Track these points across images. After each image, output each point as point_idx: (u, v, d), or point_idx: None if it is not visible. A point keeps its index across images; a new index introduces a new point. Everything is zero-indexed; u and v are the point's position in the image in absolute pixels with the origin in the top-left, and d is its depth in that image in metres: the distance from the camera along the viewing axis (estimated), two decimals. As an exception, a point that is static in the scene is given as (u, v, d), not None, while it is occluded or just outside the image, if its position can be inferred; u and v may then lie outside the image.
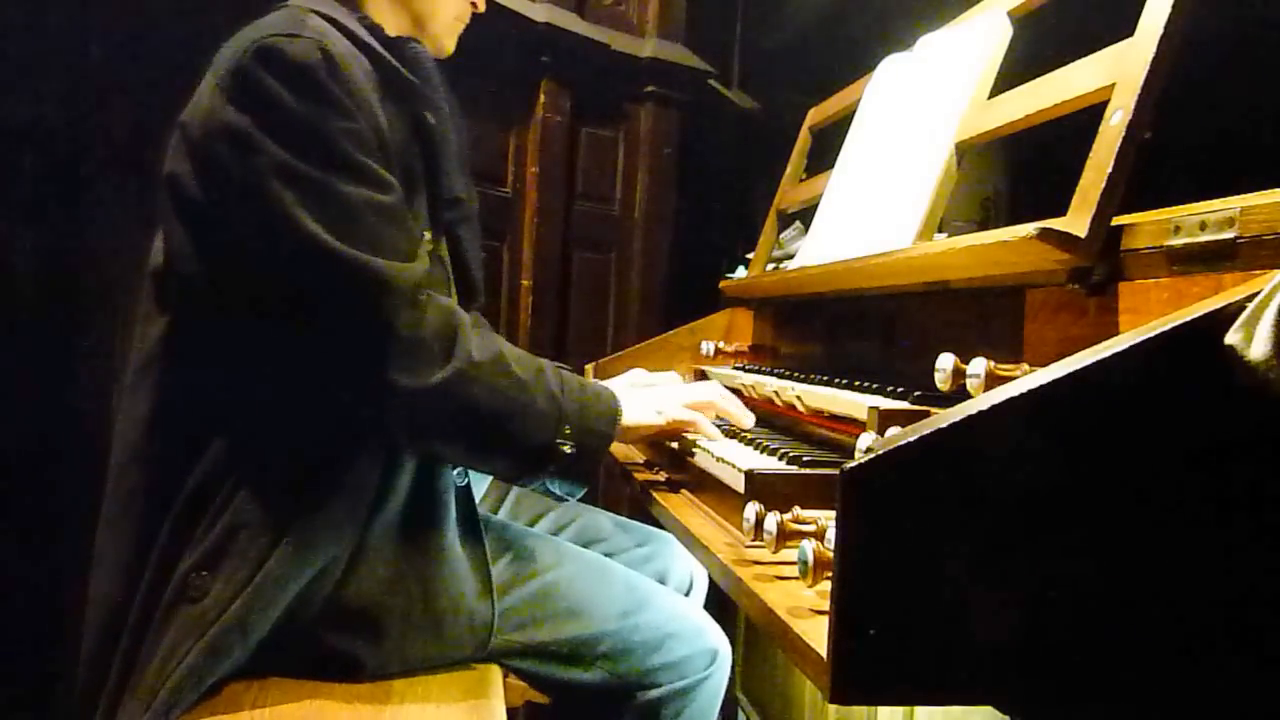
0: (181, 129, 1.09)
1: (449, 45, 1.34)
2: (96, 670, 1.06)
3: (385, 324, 1.02)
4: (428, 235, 1.16)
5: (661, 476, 1.38)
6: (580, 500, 1.27)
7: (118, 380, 1.83)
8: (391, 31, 1.23)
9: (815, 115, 2.06)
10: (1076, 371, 0.64)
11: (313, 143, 1.02)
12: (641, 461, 1.52)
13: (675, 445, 1.34)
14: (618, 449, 1.65)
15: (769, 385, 1.44)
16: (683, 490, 1.27)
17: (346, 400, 1.09)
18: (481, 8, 1.36)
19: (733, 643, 1.39)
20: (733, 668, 1.40)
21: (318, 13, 1.10)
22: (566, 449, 1.13)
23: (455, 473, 1.21)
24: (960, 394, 0.87)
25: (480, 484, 1.34)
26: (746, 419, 1.35)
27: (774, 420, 1.46)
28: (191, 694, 1.01)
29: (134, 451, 1.10)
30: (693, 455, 1.26)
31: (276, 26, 1.05)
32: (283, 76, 1.02)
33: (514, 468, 1.16)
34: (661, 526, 1.28)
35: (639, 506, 1.36)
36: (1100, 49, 1.04)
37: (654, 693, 1.27)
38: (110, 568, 1.09)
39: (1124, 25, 0.99)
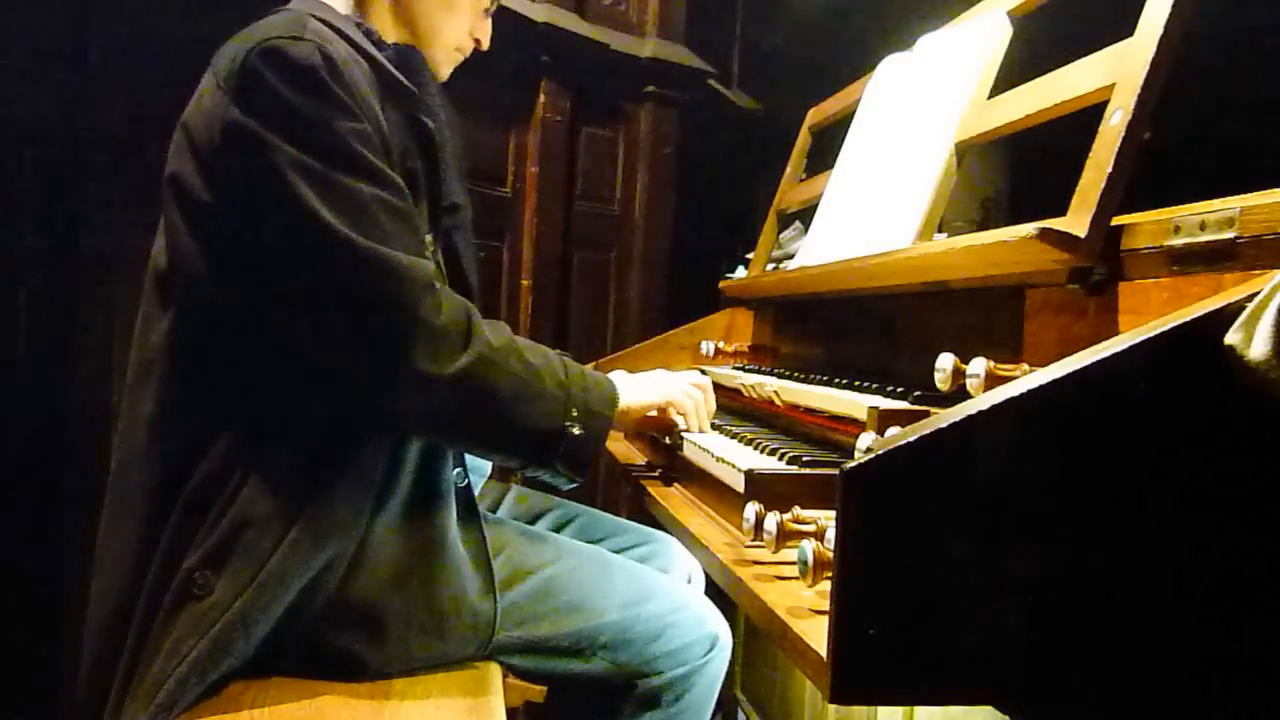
0: (184, 130, 1.09)
1: (444, 73, 1.35)
2: (101, 668, 1.06)
3: (407, 314, 1.03)
4: (429, 239, 1.16)
5: (661, 477, 1.38)
6: (579, 501, 1.27)
7: (118, 380, 1.84)
8: (390, 41, 1.24)
9: (815, 115, 2.06)
10: (1076, 371, 0.64)
11: (321, 141, 1.03)
12: (642, 462, 1.52)
13: (669, 441, 1.35)
14: (618, 449, 1.65)
15: (769, 385, 1.44)
16: (682, 490, 1.27)
17: (367, 391, 1.09)
18: (485, 45, 1.37)
19: (732, 637, 1.39)
20: (732, 668, 1.41)
21: (316, 18, 1.11)
22: (575, 431, 1.14)
23: (455, 472, 1.21)
24: (960, 394, 0.86)
25: (478, 484, 1.34)
26: (706, 422, 1.36)
27: (774, 420, 1.46)
28: (194, 690, 1.01)
29: (138, 450, 1.10)
30: (682, 449, 1.26)
31: (277, 29, 1.05)
32: (286, 77, 1.02)
33: (525, 453, 1.16)
34: (661, 527, 1.28)
35: (638, 507, 1.37)
36: (1100, 49, 1.04)
37: (654, 680, 1.27)
38: (114, 566, 1.09)
39: (1124, 25, 0.99)
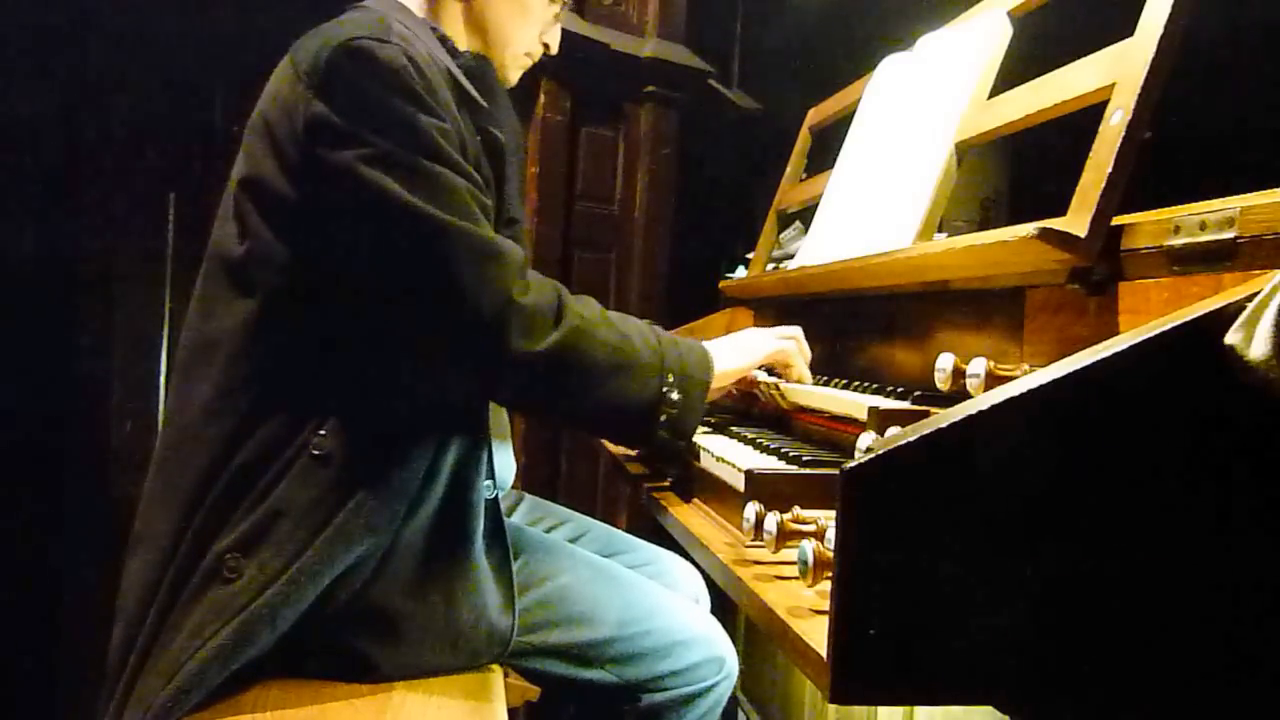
0: (261, 125, 1.10)
1: (513, 77, 1.36)
2: (128, 645, 1.06)
3: (502, 291, 1.04)
4: None
5: (662, 477, 1.38)
6: (580, 511, 1.26)
7: (117, 379, 1.84)
8: (462, 48, 1.25)
9: (815, 115, 2.06)
10: (1076, 371, 0.64)
11: (407, 135, 1.04)
12: (640, 459, 1.52)
13: (760, 393, 1.39)
14: (617, 449, 1.65)
15: (769, 384, 1.44)
16: (683, 490, 1.27)
17: (463, 370, 1.10)
18: (555, 50, 1.37)
19: (733, 643, 1.39)
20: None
21: (397, 20, 1.11)
22: (673, 396, 1.14)
23: (485, 484, 1.21)
24: (960, 394, 0.87)
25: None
26: (806, 371, 1.41)
27: (774, 420, 1.46)
28: (216, 676, 1.01)
29: (189, 431, 1.09)
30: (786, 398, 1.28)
31: (364, 28, 1.06)
32: (374, 76, 1.03)
33: (627, 423, 1.15)
34: (661, 527, 1.28)
35: (639, 508, 1.37)
36: (1100, 49, 1.04)
37: (658, 697, 1.27)
38: (148, 546, 1.08)
39: (1124, 25, 0.99)
